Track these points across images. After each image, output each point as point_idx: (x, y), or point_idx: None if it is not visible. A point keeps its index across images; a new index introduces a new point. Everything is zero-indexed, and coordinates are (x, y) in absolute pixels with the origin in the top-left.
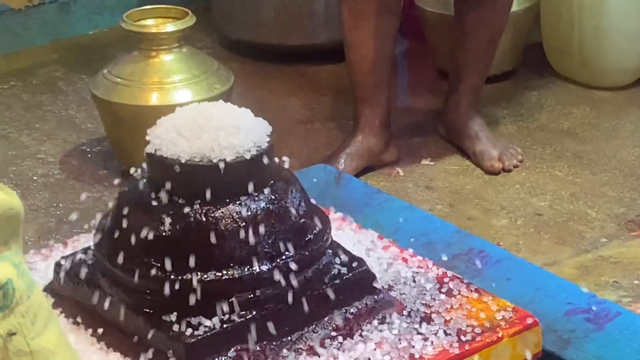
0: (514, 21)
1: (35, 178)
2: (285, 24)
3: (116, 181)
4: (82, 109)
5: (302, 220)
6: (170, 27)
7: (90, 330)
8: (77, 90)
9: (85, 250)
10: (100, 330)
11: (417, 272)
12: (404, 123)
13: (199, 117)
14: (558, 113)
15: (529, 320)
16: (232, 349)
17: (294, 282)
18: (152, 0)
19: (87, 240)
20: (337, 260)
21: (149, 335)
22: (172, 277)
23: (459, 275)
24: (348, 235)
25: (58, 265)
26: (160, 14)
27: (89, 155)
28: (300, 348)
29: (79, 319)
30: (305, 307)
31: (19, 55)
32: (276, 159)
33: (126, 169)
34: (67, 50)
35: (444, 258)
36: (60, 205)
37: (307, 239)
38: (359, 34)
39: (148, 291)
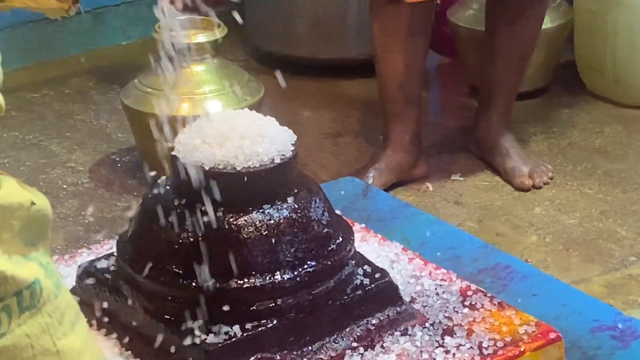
0: (547, 38)
1: (64, 186)
2: (317, 38)
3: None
4: (113, 119)
5: (325, 230)
6: (201, 38)
7: (112, 336)
8: (109, 100)
9: (108, 256)
10: (121, 336)
11: (440, 285)
12: (435, 138)
13: (224, 125)
14: (590, 131)
15: (552, 335)
16: (253, 358)
17: (316, 292)
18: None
19: (111, 246)
20: (360, 271)
21: (170, 342)
22: (194, 284)
23: (482, 289)
24: (372, 247)
25: (81, 270)
26: (192, 25)
27: (119, 165)
28: (321, 358)
29: (101, 324)
30: (327, 317)
31: (52, 64)
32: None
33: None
34: (100, 60)
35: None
36: (89, 213)
37: (329, 249)
38: (391, 50)
39: (169, 298)
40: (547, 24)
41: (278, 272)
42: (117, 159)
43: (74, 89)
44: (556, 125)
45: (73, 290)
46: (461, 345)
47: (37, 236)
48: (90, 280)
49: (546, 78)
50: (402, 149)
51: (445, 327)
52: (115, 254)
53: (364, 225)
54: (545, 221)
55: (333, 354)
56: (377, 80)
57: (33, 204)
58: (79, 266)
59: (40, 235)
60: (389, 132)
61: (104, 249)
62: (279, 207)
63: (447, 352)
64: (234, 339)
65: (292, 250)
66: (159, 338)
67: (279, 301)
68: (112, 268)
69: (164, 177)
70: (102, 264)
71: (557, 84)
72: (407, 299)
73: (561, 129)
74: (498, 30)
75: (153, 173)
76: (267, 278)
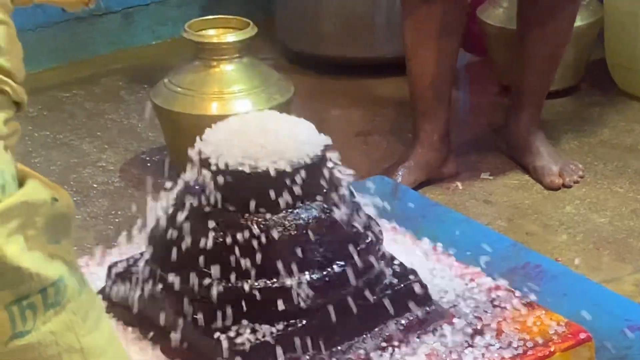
0: (577, 36)
1: (95, 186)
2: (346, 37)
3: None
4: (143, 118)
5: (354, 230)
6: (231, 37)
7: (141, 336)
8: (139, 99)
9: (137, 256)
10: (150, 336)
11: (470, 284)
12: (465, 137)
13: (253, 125)
14: (620, 129)
15: (582, 335)
16: (282, 358)
17: (345, 292)
18: (214, 11)
19: (140, 246)
20: (389, 271)
21: (200, 342)
22: (223, 284)
23: (512, 289)
24: (401, 246)
25: (110, 270)
26: (222, 24)
27: (149, 164)
28: (350, 358)
29: (130, 324)
30: (356, 317)
31: (83, 64)
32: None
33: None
34: (130, 59)
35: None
36: (119, 213)
37: (358, 248)
38: (422, 49)
39: (198, 298)
40: (577, 22)
41: (307, 272)
42: (147, 158)
43: (105, 88)
44: (587, 123)
45: (103, 290)
46: (491, 345)
47: (61, 233)
48: (120, 280)
49: (576, 76)
50: (432, 147)
51: (474, 327)
52: (144, 254)
53: (393, 224)
54: (575, 220)
55: (362, 354)
56: (408, 79)
57: (55, 200)
58: (109, 266)
59: (64, 232)
60: (418, 131)
61: (134, 249)
62: (308, 207)
63: (476, 351)
64: (263, 340)
65: (321, 250)
66: (188, 338)
67: (309, 301)
68: (142, 268)
69: (186, 175)
70: (133, 264)
71: (587, 82)
72: (436, 299)
73: (591, 127)
74: (529, 31)
75: (184, 175)
76: (296, 278)
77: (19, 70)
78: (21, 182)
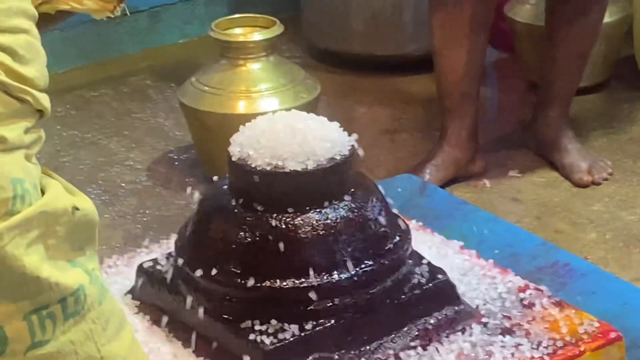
0: (606, 33)
1: (123, 185)
2: (373, 34)
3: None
4: (170, 117)
5: (382, 229)
6: (257, 36)
7: (170, 335)
8: (166, 98)
9: (167, 256)
10: (180, 335)
11: (499, 284)
12: (492, 134)
13: (281, 125)
14: None
15: (613, 335)
16: (310, 357)
17: (373, 291)
18: (241, 9)
19: (170, 245)
20: (418, 270)
21: (228, 341)
22: (251, 284)
23: (541, 287)
24: (430, 245)
25: (140, 270)
26: (249, 23)
27: (176, 163)
28: (379, 357)
29: (159, 323)
30: (385, 317)
31: (110, 63)
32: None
33: (212, 177)
34: (157, 58)
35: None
36: (147, 212)
37: (386, 248)
38: (450, 46)
39: (227, 297)
40: (606, 18)
41: (335, 272)
42: (175, 156)
43: (132, 87)
44: (616, 120)
45: (132, 290)
46: (520, 344)
47: (84, 241)
48: (149, 280)
49: (605, 73)
50: (459, 145)
51: (503, 327)
52: (173, 253)
53: (421, 223)
54: (605, 218)
55: (391, 354)
56: (435, 76)
57: (76, 209)
58: (138, 266)
59: (87, 240)
60: (446, 128)
61: (162, 248)
62: (336, 206)
63: (505, 351)
64: (292, 339)
65: (349, 249)
66: (217, 338)
67: (337, 301)
68: (171, 268)
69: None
70: (162, 264)
71: (616, 78)
72: (465, 298)
73: (621, 124)
74: (559, 28)
75: (215, 178)
76: (325, 278)
77: (42, 77)
78: (44, 190)
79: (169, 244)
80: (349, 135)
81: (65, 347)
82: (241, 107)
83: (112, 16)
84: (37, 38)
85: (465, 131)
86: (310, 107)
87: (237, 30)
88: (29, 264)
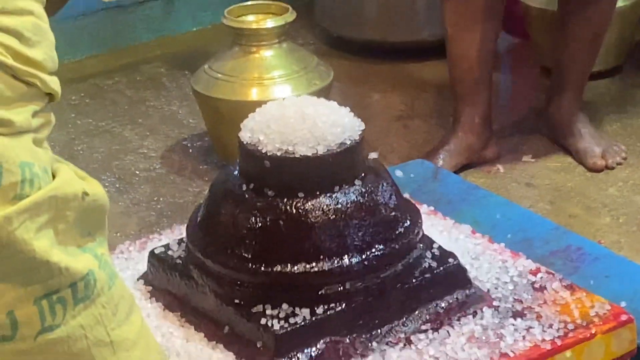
0: (620, 17)
1: (137, 172)
2: (387, 21)
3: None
4: (184, 105)
5: (393, 213)
6: (270, 22)
7: (183, 320)
8: (180, 86)
9: (178, 241)
10: (191, 320)
11: (510, 267)
12: (506, 119)
13: (291, 111)
14: None
15: (624, 317)
16: (322, 341)
17: (384, 276)
18: None
19: (182, 231)
20: (428, 254)
21: (240, 326)
22: (262, 268)
23: (552, 271)
24: (440, 229)
25: (152, 256)
26: (261, 10)
27: (190, 150)
28: (390, 341)
29: (171, 309)
30: (395, 301)
31: (124, 51)
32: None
33: (226, 164)
34: (171, 46)
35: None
36: (161, 199)
37: (397, 232)
38: (462, 32)
39: (238, 282)
40: (620, 2)
41: (346, 256)
42: (189, 144)
43: (146, 75)
44: (630, 104)
45: (145, 276)
46: (531, 327)
47: (93, 226)
48: (161, 266)
49: (619, 57)
50: (473, 130)
51: (514, 310)
52: (184, 239)
53: (432, 208)
54: (618, 202)
55: (402, 337)
56: (448, 62)
57: (86, 194)
58: (150, 252)
59: (97, 225)
60: (459, 114)
61: (175, 234)
62: (347, 191)
63: (516, 334)
64: (303, 323)
65: (360, 234)
66: (229, 322)
67: (348, 285)
68: (182, 253)
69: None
70: (173, 250)
71: (630, 63)
72: (476, 282)
73: (635, 108)
74: (571, 12)
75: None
76: (336, 262)
77: (50, 59)
78: (54, 175)
79: (181, 230)
80: (362, 121)
81: (76, 331)
82: (254, 94)
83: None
84: (45, 20)
85: (479, 117)
86: (323, 93)
87: (250, 17)
88: (39, 249)
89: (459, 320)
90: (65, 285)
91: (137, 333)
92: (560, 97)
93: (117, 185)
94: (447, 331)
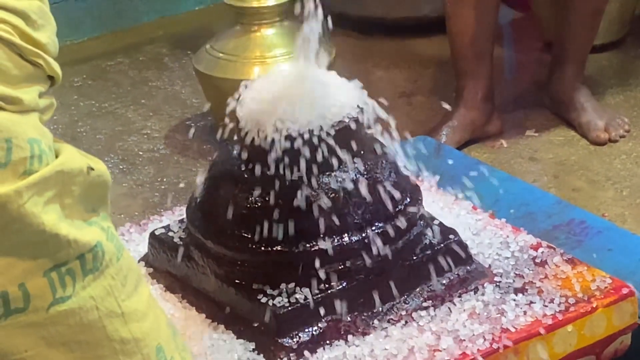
0: None
1: (140, 153)
2: None
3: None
4: (187, 84)
5: (393, 190)
6: (271, 1)
7: (184, 301)
8: (183, 66)
9: (178, 222)
10: (192, 301)
11: (511, 242)
12: (509, 94)
13: (289, 88)
14: None
15: (625, 290)
16: (323, 320)
17: (385, 253)
18: None
19: (182, 212)
20: (429, 231)
21: (240, 306)
22: (263, 248)
23: (553, 245)
24: (441, 205)
25: (152, 237)
26: None
27: (194, 130)
28: (392, 319)
29: (172, 290)
30: (396, 278)
31: (126, 32)
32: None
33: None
34: (173, 26)
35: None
36: (165, 179)
37: (397, 209)
38: (461, 6)
39: (239, 262)
40: None
41: (346, 235)
42: (192, 124)
43: (148, 56)
44: (632, 77)
45: (145, 257)
46: (532, 302)
47: (97, 201)
48: (161, 247)
49: (621, 30)
50: (475, 106)
51: (516, 285)
52: (185, 219)
53: (433, 184)
54: (622, 175)
55: (403, 315)
56: (448, 38)
57: (92, 169)
58: (150, 233)
59: (100, 200)
60: (461, 90)
61: (175, 215)
62: (346, 169)
63: (518, 309)
64: (304, 302)
65: (360, 212)
66: (230, 302)
67: (348, 263)
68: (182, 234)
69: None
70: (174, 231)
71: (632, 35)
72: (478, 258)
73: (637, 80)
74: None
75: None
76: (336, 241)
77: (53, 44)
78: (57, 154)
79: (182, 211)
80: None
81: (87, 302)
82: (256, 73)
83: None
84: (47, 5)
85: (481, 92)
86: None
87: None
88: (47, 222)
89: (460, 296)
90: (74, 257)
91: (147, 304)
92: (562, 71)
93: (121, 167)
94: (449, 307)
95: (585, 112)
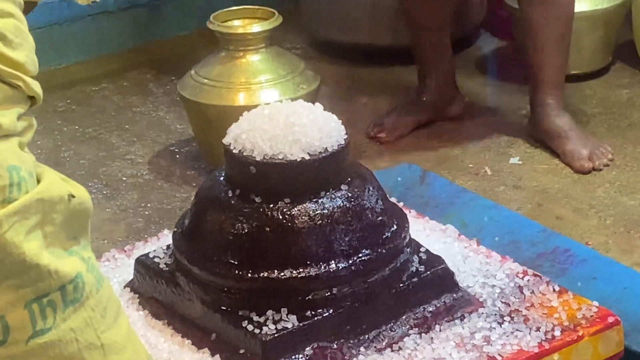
0: (605, 18)
1: (124, 179)
2: (374, 25)
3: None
4: (171, 110)
5: (380, 218)
6: (256, 27)
7: (169, 327)
8: (167, 91)
9: (164, 248)
10: (178, 327)
11: (497, 271)
12: (493, 122)
13: (277, 116)
14: None
15: (611, 319)
16: (309, 347)
17: (371, 280)
18: (240, 2)
19: (168, 238)
20: (415, 258)
21: (227, 333)
22: (249, 275)
23: (539, 274)
24: (427, 233)
25: (138, 263)
26: (247, 15)
27: (178, 156)
28: (378, 346)
29: (158, 316)
30: (383, 305)
31: (111, 57)
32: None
33: (213, 169)
34: (158, 51)
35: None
36: (149, 205)
37: (384, 236)
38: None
39: (225, 289)
40: (605, 3)
41: (333, 261)
42: (176, 150)
43: (133, 81)
44: (616, 106)
45: (131, 283)
46: (519, 330)
47: (78, 230)
48: (147, 273)
49: (605, 59)
50: (438, 90)
51: (502, 313)
52: (171, 245)
53: (420, 211)
54: (606, 203)
55: (390, 342)
56: (408, 30)
57: (72, 196)
58: (136, 259)
59: (81, 228)
60: (423, 77)
61: (161, 241)
62: (333, 196)
63: (504, 337)
64: (290, 329)
65: (347, 239)
66: (216, 329)
67: (335, 290)
68: (169, 260)
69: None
70: (159, 257)
71: (616, 64)
72: (464, 285)
73: (621, 109)
74: (532, 13)
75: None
76: (322, 267)
77: (32, 63)
78: (39, 179)
79: (168, 237)
80: (349, 125)
81: (66, 335)
82: (241, 99)
83: (97, 1)
84: (24, 23)
85: (443, 77)
86: (311, 98)
87: (236, 22)
88: (28, 251)
89: (446, 324)
90: (55, 289)
91: (126, 336)
92: (542, 99)
93: (105, 192)
94: (435, 335)
95: (568, 140)
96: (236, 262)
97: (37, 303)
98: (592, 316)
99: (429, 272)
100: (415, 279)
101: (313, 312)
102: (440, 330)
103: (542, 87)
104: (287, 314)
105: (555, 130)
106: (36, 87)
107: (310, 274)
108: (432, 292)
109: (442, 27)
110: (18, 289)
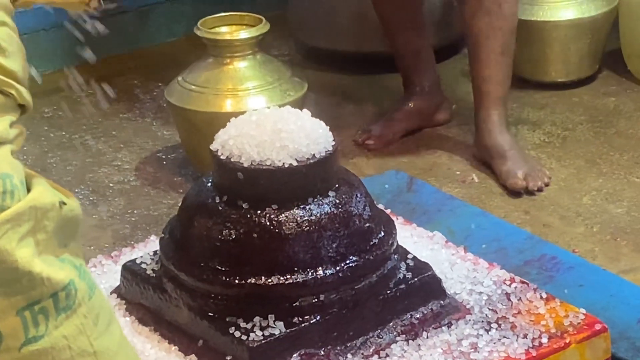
0: (592, 26)
1: (111, 185)
2: (361, 31)
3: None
4: (158, 117)
5: (367, 224)
6: (243, 34)
7: (156, 334)
8: (154, 98)
9: (151, 254)
10: (165, 333)
11: (484, 277)
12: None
13: (264, 123)
14: (636, 119)
15: (598, 326)
16: (296, 353)
17: (359, 287)
18: (228, 8)
19: (155, 244)
20: (403, 265)
21: (214, 339)
22: (237, 281)
23: (526, 281)
24: (415, 240)
25: (125, 269)
26: (235, 21)
27: (165, 162)
28: (365, 353)
29: (145, 322)
30: (370, 312)
31: (97, 63)
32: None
33: (201, 176)
34: (145, 58)
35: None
36: (136, 211)
37: (371, 243)
38: (387, 8)
39: (212, 295)
40: (592, 11)
41: (320, 268)
42: (163, 156)
43: (120, 87)
44: (602, 114)
45: (118, 289)
46: (506, 337)
47: (69, 237)
48: (134, 279)
49: (592, 67)
50: (423, 97)
51: (489, 320)
52: (158, 251)
53: (407, 218)
54: (592, 211)
55: (377, 348)
56: (388, 41)
57: (63, 204)
58: (123, 265)
59: (72, 236)
60: (407, 84)
61: (148, 247)
62: (320, 202)
63: (491, 344)
64: (277, 336)
65: (334, 245)
66: (203, 335)
67: (322, 297)
68: (156, 266)
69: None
70: (146, 263)
71: (603, 72)
72: (451, 292)
73: (607, 117)
74: (475, 25)
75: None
76: (310, 274)
77: (24, 71)
78: (29, 187)
79: (155, 243)
80: (336, 132)
81: (59, 342)
82: (228, 105)
83: (89, 10)
84: (16, 31)
85: (427, 83)
86: (297, 104)
87: (224, 29)
88: (21, 259)
89: (433, 331)
90: (47, 296)
91: (118, 343)
92: (486, 115)
93: (91, 198)
94: (422, 342)
95: (505, 160)
96: (223, 269)
97: (29, 310)
98: (579, 323)
99: (416, 279)
100: (402, 286)
101: (300, 319)
102: (427, 337)
103: (486, 100)
104: (274, 321)
105: (495, 148)
106: (27, 96)
107: (298, 280)
108: (419, 299)
109: (418, 29)
110: (10, 296)
